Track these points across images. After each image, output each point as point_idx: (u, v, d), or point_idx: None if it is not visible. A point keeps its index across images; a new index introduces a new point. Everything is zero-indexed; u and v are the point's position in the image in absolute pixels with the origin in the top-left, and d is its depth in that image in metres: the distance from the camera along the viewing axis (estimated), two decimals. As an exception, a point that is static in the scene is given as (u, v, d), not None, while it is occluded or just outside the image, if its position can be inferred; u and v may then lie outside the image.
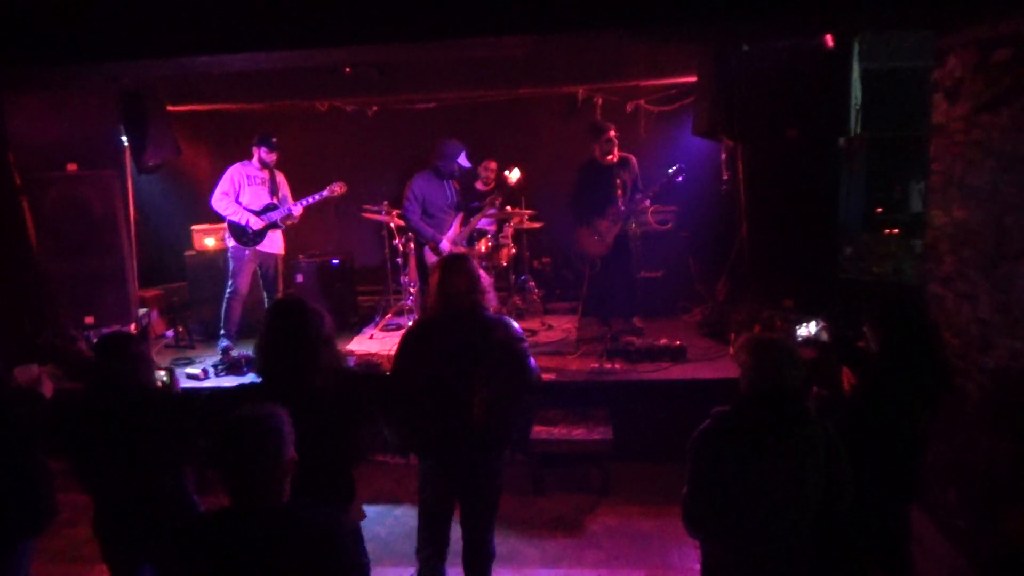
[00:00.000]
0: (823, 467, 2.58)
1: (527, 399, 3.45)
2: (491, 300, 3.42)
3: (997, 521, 3.56)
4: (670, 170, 5.85)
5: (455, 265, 3.33)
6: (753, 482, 2.54)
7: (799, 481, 2.54)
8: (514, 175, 6.26)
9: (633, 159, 6.14)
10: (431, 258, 5.75)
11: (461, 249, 5.88)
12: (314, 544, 2.02)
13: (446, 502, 3.43)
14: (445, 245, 5.79)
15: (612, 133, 5.96)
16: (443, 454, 3.30)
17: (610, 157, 5.96)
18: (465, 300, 3.27)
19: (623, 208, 5.99)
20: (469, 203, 6.35)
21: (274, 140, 6.02)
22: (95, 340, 5.41)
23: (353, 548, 2.10)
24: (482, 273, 3.39)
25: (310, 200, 6.07)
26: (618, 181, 5.98)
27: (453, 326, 3.29)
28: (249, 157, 6.06)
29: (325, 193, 6.05)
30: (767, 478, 2.53)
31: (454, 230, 5.87)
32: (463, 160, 5.85)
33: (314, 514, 2.09)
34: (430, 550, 3.44)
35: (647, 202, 6.03)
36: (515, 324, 3.44)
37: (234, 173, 6.00)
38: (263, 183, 6.05)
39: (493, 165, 7.21)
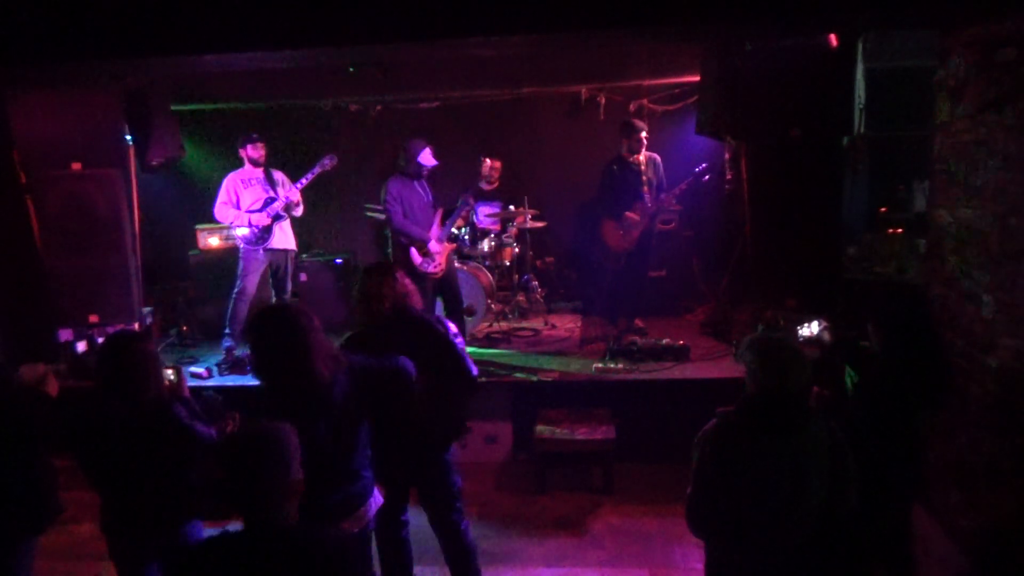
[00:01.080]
0: (828, 467, 2.58)
1: (466, 394, 3.54)
2: (416, 302, 3.48)
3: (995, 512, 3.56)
4: (697, 169, 5.86)
5: (379, 272, 3.40)
6: (758, 482, 2.54)
7: (803, 481, 2.53)
8: (485, 168, 6.23)
9: (658, 158, 6.15)
10: (417, 259, 5.73)
11: (446, 246, 5.84)
12: (324, 566, 2.00)
13: (398, 506, 3.52)
14: (434, 245, 5.74)
15: (644, 135, 6.00)
16: (390, 455, 3.35)
17: (637, 156, 6.00)
18: (393, 304, 3.33)
19: (650, 206, 5.99)
20: (475, 203, 6.33)
21: (255, 136, 6.04)
22: (100, 339, 5.45)
23: (362, 568, 2.09)
24: (406, 278, 3.44)
25: (304, 181, 6.05)
26: (645, 179, 6.00)
27: (387, 331, 3.33)
28: (240, 164, 6.10)
29: (317, 169, 6.02)
30: (772, 478, 2.53)
31: (435, 229, 5.81)
32: (424, 158, 5.70)
33: (323, 535, 2.07)
34: (390, 549, 3.55)
35: (674, 201, 6.02)
36: (449, 323, 3.50)
37: (229, 183, 6.05)
38: (258, 182, 6.08)
39: (497, 164, 7.20)
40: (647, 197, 5.99)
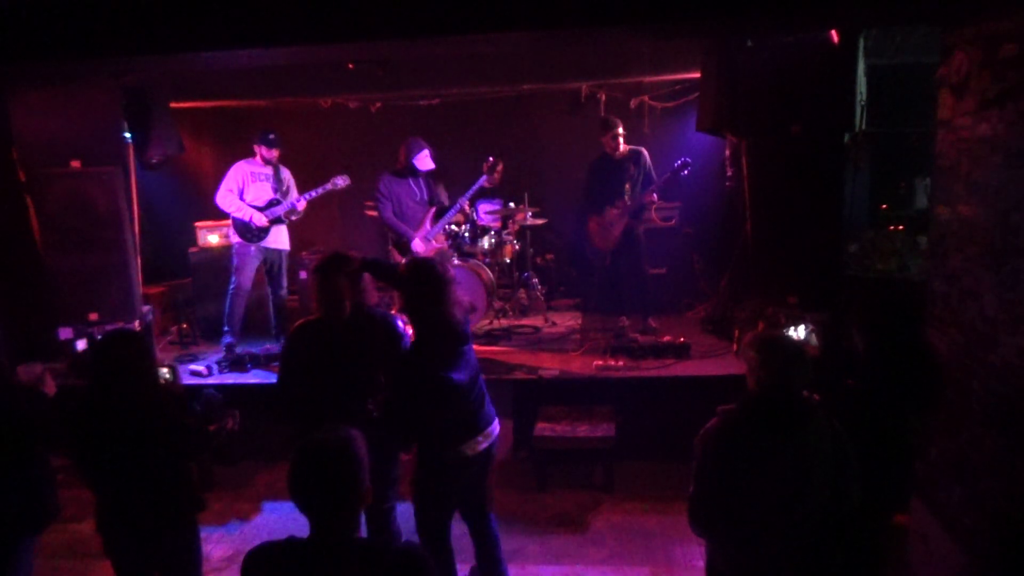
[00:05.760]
0: (830, 466, 2.57)
1: None
2: (372, 298, 3.48)
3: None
4: (676, 163, 5.85)
5: (333, 266, 3.39)
6: (760, 481, 2.53)
7: (806, 480, 2.53)
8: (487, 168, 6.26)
9: (644, 152, 6.15)
10: (397, 256, 5.75)
11: (434, 245, 5.84)
12: None
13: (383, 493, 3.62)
14: (417, 244, 5.74)
15: (618, 130, 5.98)
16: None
17: (619, 152, 6.01)
18: (347, 301, 3.37)
19: (630, 203, 6.00)
20: (476, 201, 6.34)
21: (272, 136, 6.02)
22: (98, 337, 5.45)
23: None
24: (365, 275, 3.44)
25: (313, 194, 6.06)
26: (628, 175, 6.02)
27: (337, 327, 3.34)
28: (253, 155, 6.08)
29: (328, 186, 6.02)
30: (774, 476, 2.52)
31: (426, 227, 5.81)
32: (420, 162, 5.69)
33: (390, 548, 2.03)
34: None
35: (655, 195, 6.01)
36: (399, 322, 3.51)
37: (238, 170, 6.01)
38: (267, 179, 6.07)
39: (499, 165, 7.21)
40: (628, 194, 6.01)
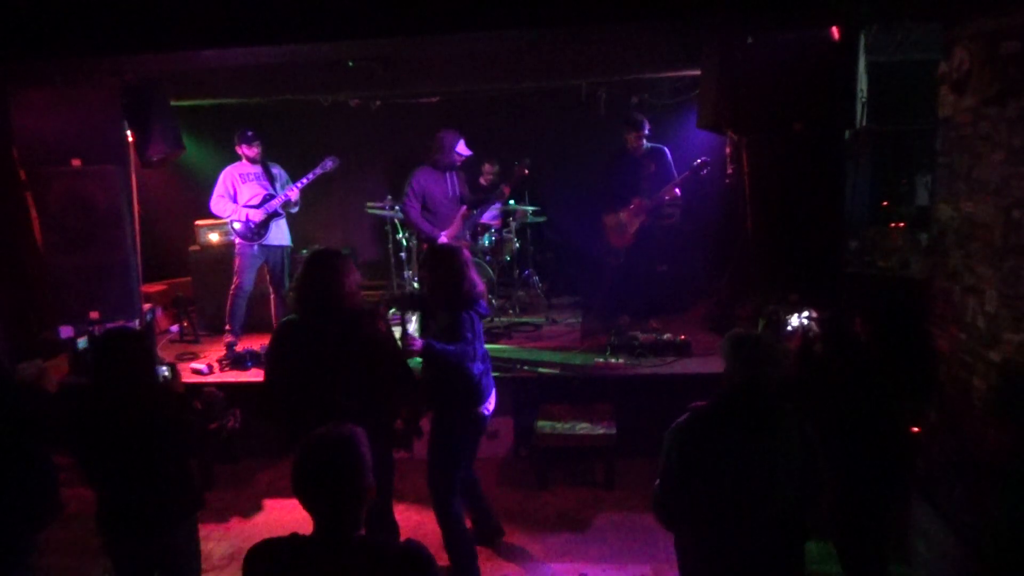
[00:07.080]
0: (797, 467, 2.56)
1: (403, 389, 3.64)
2: (359, 299, 3.48)
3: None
4: (695, 162, 5.84)
5: (320, 262, 3.38)
6: (726, 476, 2.54)
7: (771, 477, 2.52)
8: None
9: (666, 150, 6.15)
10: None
11: (463, 244, 5.86)
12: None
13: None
14: (443, 240, 5.76)
15: (644, 130, 6.02)
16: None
17: (640, 151, 6.02)
18: (331, 297, 3.34)
19: (648, 201, 5.99)
20: (474, 198, 6.34)
21: (250, 134, 6.07)
22: (98, 335, 5.45)
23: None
24: (352, 271, 3.41)
25: (304, 181, 6.08)
26: (646, 172, 6.00)
27: (322, 324, 3.34)
28: (238, 158, 6.10)
29: (318, 170, 6.04)
30: (736, 474, 2.52)
31: (456, 225, 5.81)
32: (461, 149, 5.75)
33: (393, 547, 2.03)
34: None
35: (677, 191, 6.00)
36: (386, 318, 3.54)
37: (226, 175, 6.06)
38: (256, 178, 6.10)
39: (495, 169, 7.24)
40: (646, 191, 5.99)
